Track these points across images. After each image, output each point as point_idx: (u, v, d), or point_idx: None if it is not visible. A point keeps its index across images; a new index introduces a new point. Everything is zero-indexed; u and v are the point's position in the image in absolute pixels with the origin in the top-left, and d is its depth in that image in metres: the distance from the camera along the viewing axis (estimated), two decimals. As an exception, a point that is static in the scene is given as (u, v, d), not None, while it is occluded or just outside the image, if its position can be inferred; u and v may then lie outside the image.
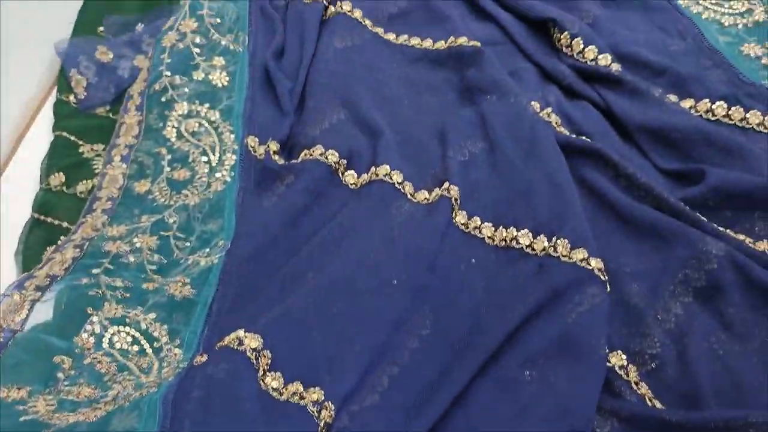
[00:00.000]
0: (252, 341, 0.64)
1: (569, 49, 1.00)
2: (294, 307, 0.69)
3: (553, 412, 0.63)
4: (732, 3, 1.04)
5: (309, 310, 0.69)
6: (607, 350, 0.68)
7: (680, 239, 0.74)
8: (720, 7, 1.05)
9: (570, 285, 0.70)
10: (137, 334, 0.72)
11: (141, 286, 0.77)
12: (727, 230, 0.76)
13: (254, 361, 0.62)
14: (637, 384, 0.68)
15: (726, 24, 1.02)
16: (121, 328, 0.72)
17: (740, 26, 1.01)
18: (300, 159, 0.90)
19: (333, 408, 0.61)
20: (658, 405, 0.66)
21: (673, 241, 0.75)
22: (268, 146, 0.92)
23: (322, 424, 0.60)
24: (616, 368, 0.69)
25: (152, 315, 0.74)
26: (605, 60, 0.96)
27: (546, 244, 0.74)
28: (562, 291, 0.70)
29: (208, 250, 0.81)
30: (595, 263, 0.71)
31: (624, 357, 0.70)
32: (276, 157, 0.91)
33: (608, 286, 0.71)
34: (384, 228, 0.79)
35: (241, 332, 0.65)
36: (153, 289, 0.77)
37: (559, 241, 0.73)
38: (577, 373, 0.65)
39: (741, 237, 0.76)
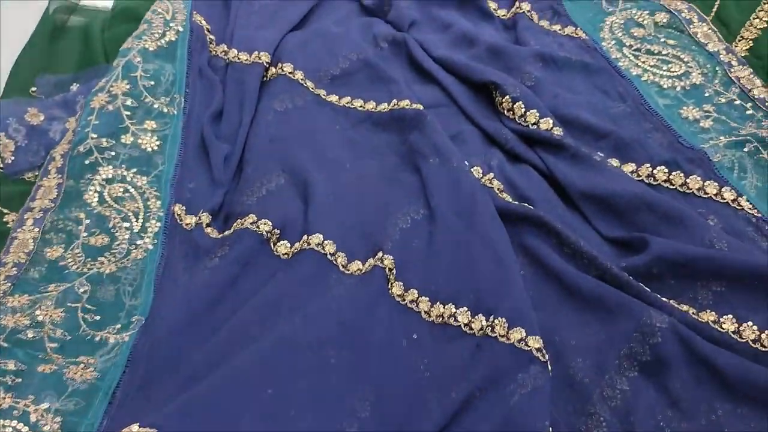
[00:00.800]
0: None
1: (511, 112, 0.98)
2: (208, 395, 0.63)
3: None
4: (670, 65, 1.05)
5: (231, 396, 0.63)
6: (552, 432, 0.65)
7: (624, 311, 0.72)
8: (659, 69, 1.04)
9: (508, 367, 0.67)
10: (25, 429, 0.63)
11: (36, 369, 0.69)
12: (671, 300, 0.74)
13: None
14: (583, 469, 0.64)
15: (665, 86, 1.01)
16: (7, 422, 0.63)
17: (678, 89, 1.01)
18: (232, 230, 0.85)
19: None
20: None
21: (617, 313, 0.72)
22: (200, 218, 0.87)
23: None
24: (561, 453, 0.65)
25: (44, 405, 0.66)
26: (546, 124, 0.94)
27: (484, 323, 0.71)
28: (502, 373, 0.67)
29: (119, 326, 0.75)
30: (534, 342, 0.68)
31: (569, 441, 0.66)
32: (209, 230, 0.86)
33: (549, 366, 0.68)
34: (316, 303, 0.74)
35: (135, 427, 0.58)
36: (50, 372, 0.69)
37: (496, 321, 0.70)
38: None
39: (685, 308, 0.73)
